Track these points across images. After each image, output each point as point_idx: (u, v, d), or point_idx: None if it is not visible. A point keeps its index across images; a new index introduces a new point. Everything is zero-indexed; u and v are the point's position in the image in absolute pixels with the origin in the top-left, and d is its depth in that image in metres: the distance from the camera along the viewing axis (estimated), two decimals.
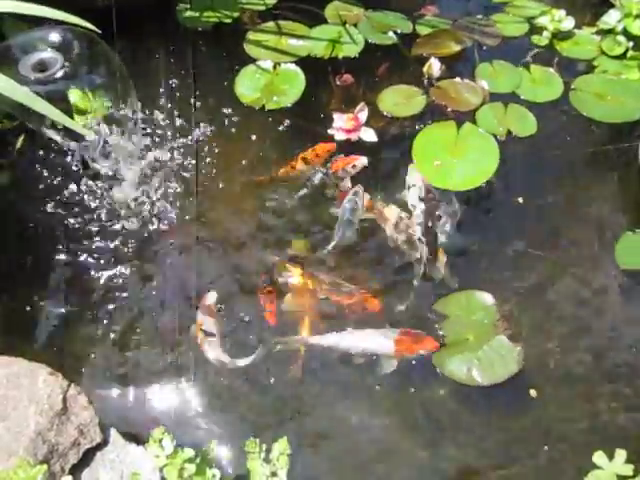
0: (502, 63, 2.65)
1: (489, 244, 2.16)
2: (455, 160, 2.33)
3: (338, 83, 2.57)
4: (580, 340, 1.97)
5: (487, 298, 2.00)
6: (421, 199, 2.15)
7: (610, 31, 2.70)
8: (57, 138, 2.09)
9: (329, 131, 2.39)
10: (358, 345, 1.88)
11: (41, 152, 2.26)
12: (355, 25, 2.79)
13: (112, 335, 1.95)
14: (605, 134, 2.46)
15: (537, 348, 1.93)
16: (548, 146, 2.32)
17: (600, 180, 2.36)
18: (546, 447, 1.77)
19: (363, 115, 2.41)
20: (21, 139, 2.29)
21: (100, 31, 1.90)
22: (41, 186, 2.21)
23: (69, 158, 2.22)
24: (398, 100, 2.52)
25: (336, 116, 2.40)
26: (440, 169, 2.31)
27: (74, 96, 1.98)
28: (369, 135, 2.38)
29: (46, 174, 2.23)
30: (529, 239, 2.16)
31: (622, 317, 2.03)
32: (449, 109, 2.49)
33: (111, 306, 2.00)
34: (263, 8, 2.84)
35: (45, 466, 1.38)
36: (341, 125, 2.38)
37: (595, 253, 2.16)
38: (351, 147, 2.35)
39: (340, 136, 2.37)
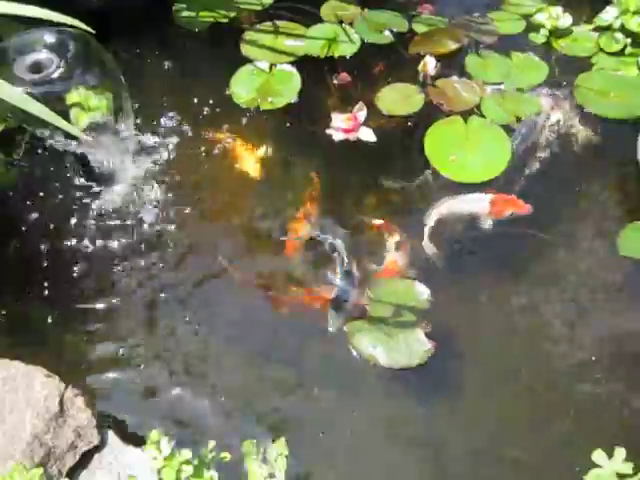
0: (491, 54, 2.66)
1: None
2: (469, 153, 2.35)
3: (335, 82, 2.57)
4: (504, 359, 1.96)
5: (424, 291, 2.01)
6: None
7: (608, 28, 2.68)
8: (55, 139, 2.09)
9: (327, 131, 2.38)
10: (457, 206, 2.16)
11: (48, 149, 2.25)
12: (351, 24, 2.77)
13: (110, 336, 1.95)
14: (606, 129, 2.46)
15: (450, 353, 1.93)
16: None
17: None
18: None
19: (362, 115, 2.39)
20: (27, 137, 2.28)
21: (95, 32, 1.90)
22: (48, 184, 2.22)
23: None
24: (396, 98, 2.51)
25: (334, 116, 2.39)
26: (456, 164, 2.32)
27: (76, 95, 1.97)
28: (367, 135, 2.37)
29: (53, 172, 2.24)
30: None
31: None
32: (447, 109, 2.47)
33: (111, 306, 2.00)
34: (259, 8, 2.83)
35: (41, 469, 1.37)
36: (339, 125, 2.36)
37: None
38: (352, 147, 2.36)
39: (338, 136, 2.36)
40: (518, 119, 2.43)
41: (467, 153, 2.35)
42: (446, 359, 1.91)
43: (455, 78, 2.57)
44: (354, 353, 1.91)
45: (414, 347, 1.91)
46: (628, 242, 2.13)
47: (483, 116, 2.46)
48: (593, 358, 1.94)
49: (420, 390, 1.89)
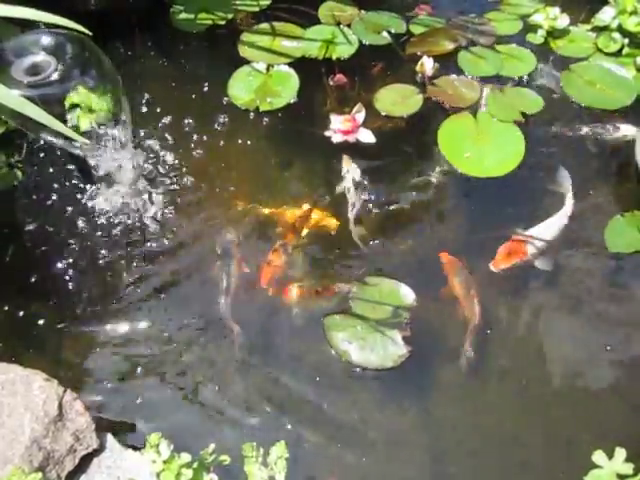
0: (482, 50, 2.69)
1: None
2: (483, 148, 2.36)
3: (332, 83, 2.57)
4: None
5: (409, 295, 2.00)
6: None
7: (605, 28, 2.69)
8: (54, 141, 2.08)
9: (326, 133, 2.38)
10: None
11: (47, 152, 2.26)
12: (349, 25, 2.77)
13: (110, 340, 1.94)
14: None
15: (426, 361, 1.92)
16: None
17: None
18: None
19: (360, 116, 2.39)
20: (28, 139, 2.27)
21: (93, 34, 1.90)
22: (51, 184, 2.21)
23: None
24: (395, 99, 2.51)
25: (333, 118, 2.39)
26: (471, 160, 2.33)
27: (76, 98, 1.96)
28: (366, 136, 2.37)
29: (55, 172, 2.23)
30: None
31: None
32: (447, 106, 2.48)
33: (111, 310, 2.00)
34: (257, 9, 2.83)
35: (40, 474, 1.36)
36: (338, 127, 2.36)
37: None
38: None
39: (337, 138, 2.36)
40: (523, 114, 2.44)
41: (481, 149, 2.36)
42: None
43: (454, 77, 2.58)
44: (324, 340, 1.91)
45: (389, 349, 1.90)
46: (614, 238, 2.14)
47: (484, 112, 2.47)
48: (607, 347, 1.94)
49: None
